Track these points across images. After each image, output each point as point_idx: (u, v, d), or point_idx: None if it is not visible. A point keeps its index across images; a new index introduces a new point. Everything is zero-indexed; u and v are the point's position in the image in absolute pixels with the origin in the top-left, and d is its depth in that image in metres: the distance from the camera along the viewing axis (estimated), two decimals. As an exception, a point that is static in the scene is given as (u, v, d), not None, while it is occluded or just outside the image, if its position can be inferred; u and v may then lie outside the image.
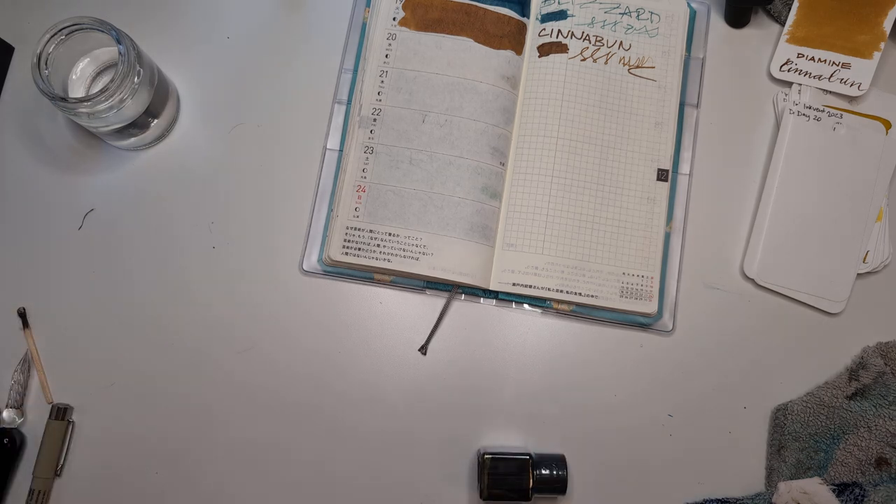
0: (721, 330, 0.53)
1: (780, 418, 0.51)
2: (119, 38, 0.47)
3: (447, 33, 0.55)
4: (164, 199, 0.54)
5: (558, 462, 0.49)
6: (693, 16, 0.57)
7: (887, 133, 0.55)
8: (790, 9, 0.57)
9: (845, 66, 0.56)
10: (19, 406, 0.50)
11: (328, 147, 0.55)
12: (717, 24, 0.58)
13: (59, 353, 0.52)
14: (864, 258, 0.53)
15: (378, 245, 0.52)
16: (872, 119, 0.55)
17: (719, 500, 0.50)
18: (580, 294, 0.52)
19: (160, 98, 0.52)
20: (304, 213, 0.54)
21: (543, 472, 0.48)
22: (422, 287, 0.53)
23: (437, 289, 0.53)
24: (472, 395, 0.52)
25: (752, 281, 0.53)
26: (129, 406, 0.51)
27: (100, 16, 0.48)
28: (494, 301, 0.53)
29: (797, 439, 0.50)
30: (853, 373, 0.51)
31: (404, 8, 0.55)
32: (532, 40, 0.56)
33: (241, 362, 0.52)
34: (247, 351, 0.52)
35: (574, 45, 0.55)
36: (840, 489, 0.48)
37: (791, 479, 0.49)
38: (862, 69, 0.55)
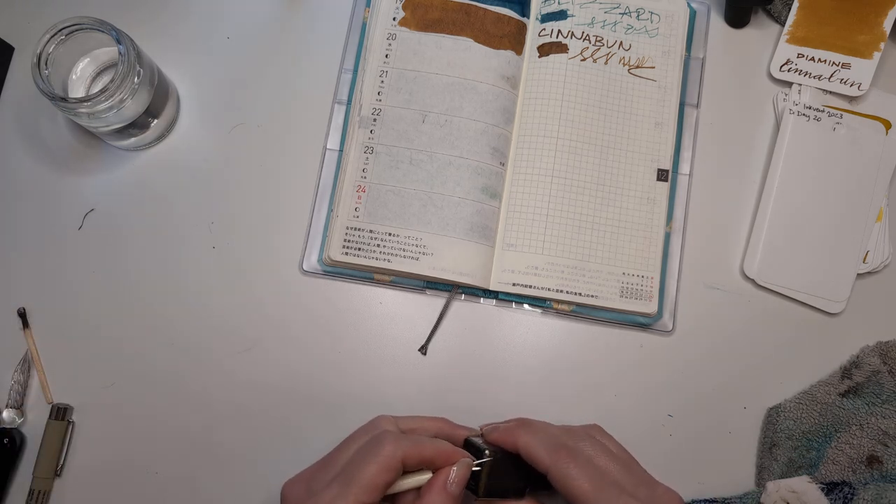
0: (721, 330, 0.53)
1: (773, 416, 0.51)
2: (119, 38, 0.47)
3: (447, 33, 0.55)
4: (164, 199, 0.54)
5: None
6: (693, 16, 0.57)
7: (887, 133, 0.55)
8: (790, 9, 0.57)
9: (845, 66, 0.56)
10: (19, 406, 0.50)
11: (328, 147, 0.55)
12: (717, 24, 0.58)
13: (59, 353, 0.52)
14: (864, 258, 0.53)
15: (378, 245, 0.52)
16: (872, 119, 0.55)
17: (707, 500, 0.50)
18: (580, 294, 0.52)
19: (160, 98, 0.52)
20: (304, 213, 0.54)
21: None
22: (422, 287, 0.53)
23: (437, 289, 0.53)
24: (473, 395, 0.52)
25: (752, 281, 0.53)
26: (129, 406, 0.51)
27: (100, 16, 0.48)
28: (494, 301, 0.53)
29: (790, 437, 0.50)
30: (846, 371, 0.51)
31: (404, 8, 0.55)
32: (532, 40, 0.56)
33: (241, 362, 0.52)
34: (247, 351, 0.52)
35: (574, 45, 0.55)
36: (829, 488, 0.48)
37: (781, 478, 0.49)
38: (862, 69, 0.55)
